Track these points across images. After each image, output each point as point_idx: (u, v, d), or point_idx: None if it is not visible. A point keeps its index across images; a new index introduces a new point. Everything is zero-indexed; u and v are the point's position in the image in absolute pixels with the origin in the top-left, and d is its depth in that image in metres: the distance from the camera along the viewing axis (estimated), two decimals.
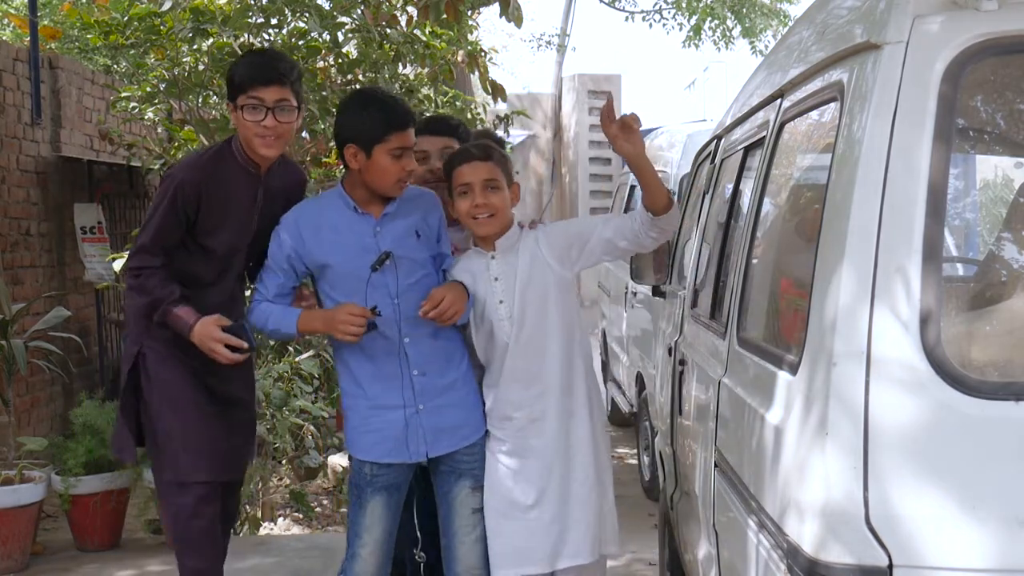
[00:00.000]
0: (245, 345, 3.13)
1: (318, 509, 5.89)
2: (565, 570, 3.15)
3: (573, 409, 3.12)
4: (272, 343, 5.83)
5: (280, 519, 5.62)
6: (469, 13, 5.73)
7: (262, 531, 5.48)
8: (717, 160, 3.92)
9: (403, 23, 5.71)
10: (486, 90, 6.43)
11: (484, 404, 3.20)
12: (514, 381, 3.09)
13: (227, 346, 3.13)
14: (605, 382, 8.84)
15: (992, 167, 3.95)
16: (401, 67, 5.71)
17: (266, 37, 5.29)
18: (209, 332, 3.12)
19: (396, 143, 2.99)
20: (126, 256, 5.62)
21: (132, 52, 5.46)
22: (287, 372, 5.89)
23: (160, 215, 3.18)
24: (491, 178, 3.07)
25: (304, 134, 5.59)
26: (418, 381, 3.08)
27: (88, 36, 6.07)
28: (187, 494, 3.28)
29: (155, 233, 3.19)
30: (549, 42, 17.65)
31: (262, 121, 3.11)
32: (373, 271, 3.02)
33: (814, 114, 2.38)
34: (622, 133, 2.88)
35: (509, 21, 5.40)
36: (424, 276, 3.11)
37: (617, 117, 2.90)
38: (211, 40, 5.14)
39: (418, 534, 3.38)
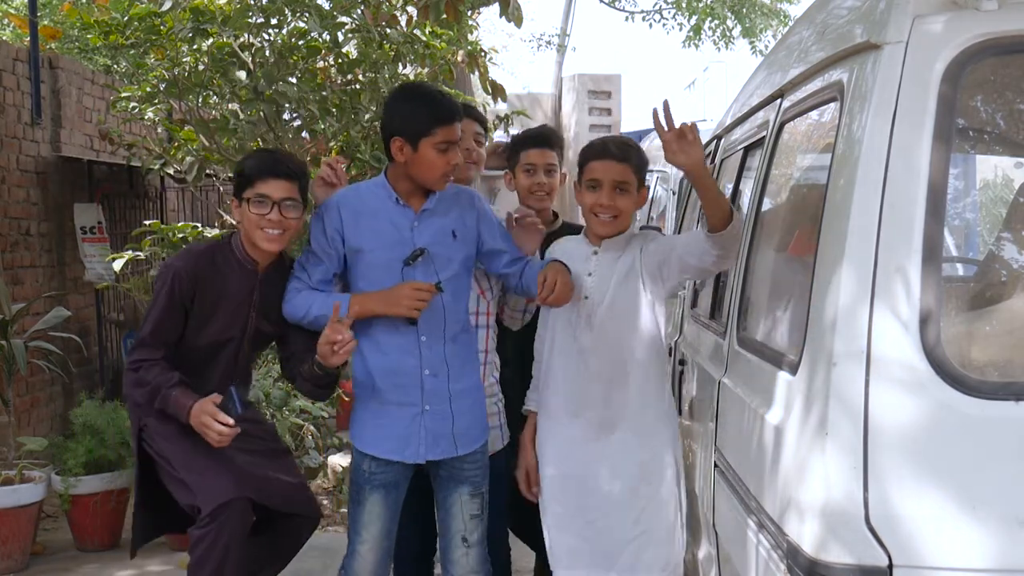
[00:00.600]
0: (231, 422, 3.11)
1: None
2: None
3: (643, 418, 3.00)
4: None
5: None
6: (469, 13, 5.73)
7: None
8: (717, 160, 3.92)
9: (403, 23, 5.71)
10: (486, 90, 6.43)
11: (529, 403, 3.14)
12: (586, 382, 3.00)
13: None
14: None
15: (992, 167, 3.95)
16: (401, 67, 5.70)
17: (266, 37, 5.29)
18: (202, 408, 3.12)
19: (442, 137, 3.00)
20: (126, 256, 5.64)
21: (132, 52, 5.45)
22: None
23: (160, 305, 3.20)
24: (624, 180, 2.99)
25: (304, 134, 5.59)
26: (428, 381, 3.08)
27: (88, 36, 6.05)
28: (215, 522, 3.16)
29: (155, 324, 3.20)
30: (549, 42, 17.64)
31: (267, 215, 3.13)
32: (406, 265, 3.02)
33: (814, 114, 2.38)
34: (677, 143, 2.66)
35: (509, 21, 5.40)
36: (453, 276, 3.09)
37: (674, 125, 2.68)
38: (211, 40, 5.13)
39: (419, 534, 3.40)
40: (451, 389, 3.10)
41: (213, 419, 3.08)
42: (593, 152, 3.05)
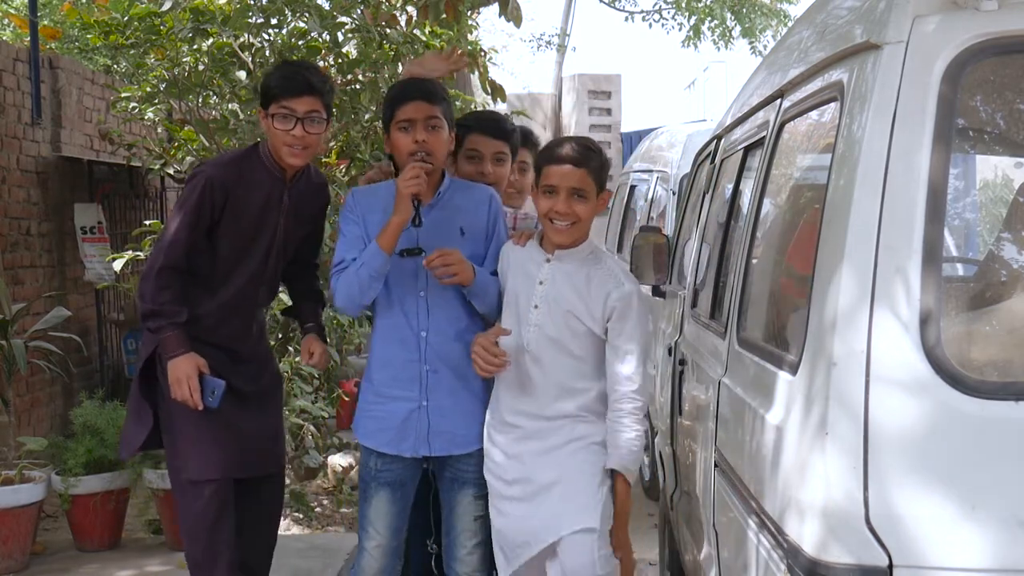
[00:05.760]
0: (200, 407, 3.21)
1: (318, 509, 5.89)
2: None
3: (580, 426, 2.96)
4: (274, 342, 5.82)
5: (280, 519, 5.61)
6: (469, 13, 5.72)
7: None
8: (717, 160, 3.92)
9: (403, 23, 5.71)
10: (486, 90, 6.42)
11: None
12: (530, 389, 2.97)
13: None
14: None
15: (992, 167, 3.94)
16: (401, 67, 5.71)
17: (266, 37, 5.29)
18: (187, 369, 3.19)
19: (401, 116, 3.07)
20: (126, 256, 5.64)
21: (132, 52, 5.46)
22: (287, 372, 5.88)
23: (188, 210, 3.21)
24: (581, 187, 2.89)
25: None
26: (428, 376, 3.08)
27: (88, 36, 6.07)
28: (200, 494, 3.28)
29: (179, 229, 3.21)
30: (549, 42, 17.69)
31: (291, 130, 3.19)
32: (400, 256, 3.03)
33: (814, 114, 2.38)
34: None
35: (509, 21, 5.40)
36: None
37: None
38: (211, 40, 5.14)
39: (432, 525, 3.37)
40: (451, 386, 3.10)
41: (189, 395, 3.18)
42: (551, 156, 2.95)
